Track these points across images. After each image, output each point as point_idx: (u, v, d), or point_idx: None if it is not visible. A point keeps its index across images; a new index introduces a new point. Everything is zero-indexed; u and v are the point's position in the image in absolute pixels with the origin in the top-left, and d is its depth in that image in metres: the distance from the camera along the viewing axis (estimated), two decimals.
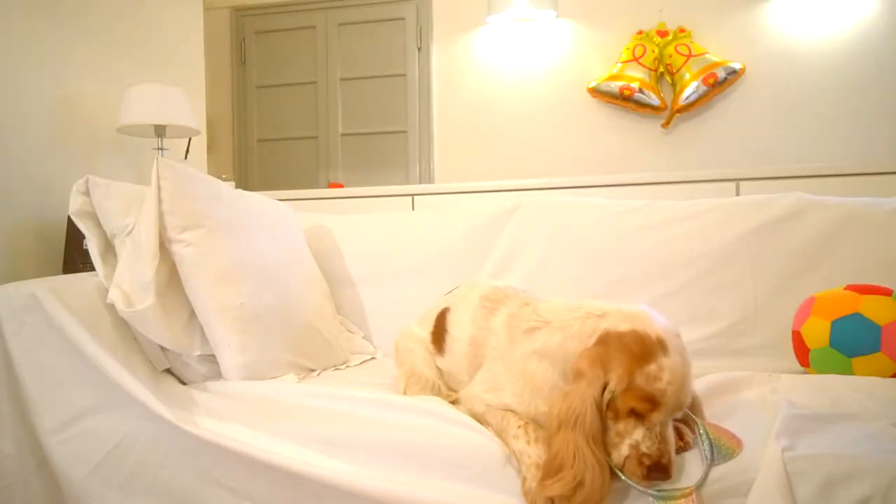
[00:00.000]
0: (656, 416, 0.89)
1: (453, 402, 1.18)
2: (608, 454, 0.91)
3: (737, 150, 3.45)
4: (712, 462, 0.90)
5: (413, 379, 1.29)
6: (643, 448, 0.89)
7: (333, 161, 4.04)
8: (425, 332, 1.35)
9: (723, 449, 0.92)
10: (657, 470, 0.88)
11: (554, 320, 1.06)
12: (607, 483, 0.89)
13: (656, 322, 0.94)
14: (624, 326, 0.94)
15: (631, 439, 0.90)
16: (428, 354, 1.31)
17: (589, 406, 0.90)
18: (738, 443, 0.93)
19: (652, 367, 0.89)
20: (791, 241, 1.56)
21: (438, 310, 1.33)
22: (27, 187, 2.09)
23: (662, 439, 0.89)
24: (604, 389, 0.91)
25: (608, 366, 0.92)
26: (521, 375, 1.06)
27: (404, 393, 1.28)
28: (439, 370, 1.29)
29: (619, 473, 0.91)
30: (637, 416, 0.90)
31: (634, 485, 0.90)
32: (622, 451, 0.90)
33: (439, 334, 1.29)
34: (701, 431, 0.93)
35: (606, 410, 0.92)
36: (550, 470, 0.91)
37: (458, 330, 1.25)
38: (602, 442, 0.91)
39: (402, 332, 1.40)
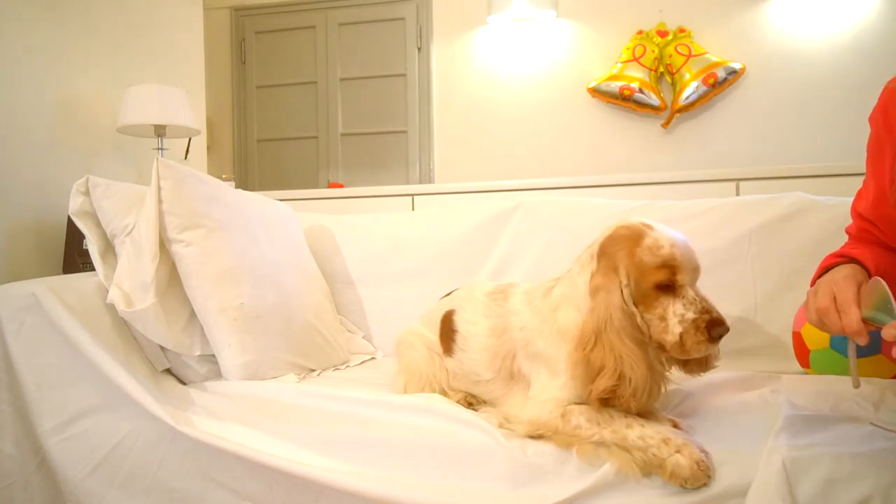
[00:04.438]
0: (681, 278, 0.92)
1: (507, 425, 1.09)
2: (664, 347, 0.94)
3: (737, 150, 3.44)
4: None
5: (412, 375, 1.28)
6: (690, 314, 0.91)
7: (333, 161, 4.04)
8: (431, 332, 1.34)
9: None
10: (715, 325, 0.90)
11: (563, 274, 1.10)
12: (648, 374, 0.91)
13: (636, 217, 1.01)
14: (610, 230, 1.00)
15: (675, 316, 0.92)
16: (429, 352, 1.30)
17: (613, 310, 0.93)
18: None
19: (648, 241, 0.93)
20: (791, 241, 1.55)
21: (442, 312, 1.33)
22: (27, 187, 2.09)
23: (701, 299, 0.92)
24: (622, 290, 0.94)
25: (615, 266, 0.95)
26: (556, 331, 1.06)
27: (404, 390, 1.28)
28: (446, 371, 1.28)
29: (685, 354, 0.92)
30: (665, 289, 0.92)
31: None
32: (675, 330, 0.92)
33: (447, 336, 1.29)
34: None
35: (638, 308, 0.94)
36: (591, 374, 0.93)
37: (470, 327, 1.24)
38: (642, 341, 0.93)
39: (405, 329, 1.40)
